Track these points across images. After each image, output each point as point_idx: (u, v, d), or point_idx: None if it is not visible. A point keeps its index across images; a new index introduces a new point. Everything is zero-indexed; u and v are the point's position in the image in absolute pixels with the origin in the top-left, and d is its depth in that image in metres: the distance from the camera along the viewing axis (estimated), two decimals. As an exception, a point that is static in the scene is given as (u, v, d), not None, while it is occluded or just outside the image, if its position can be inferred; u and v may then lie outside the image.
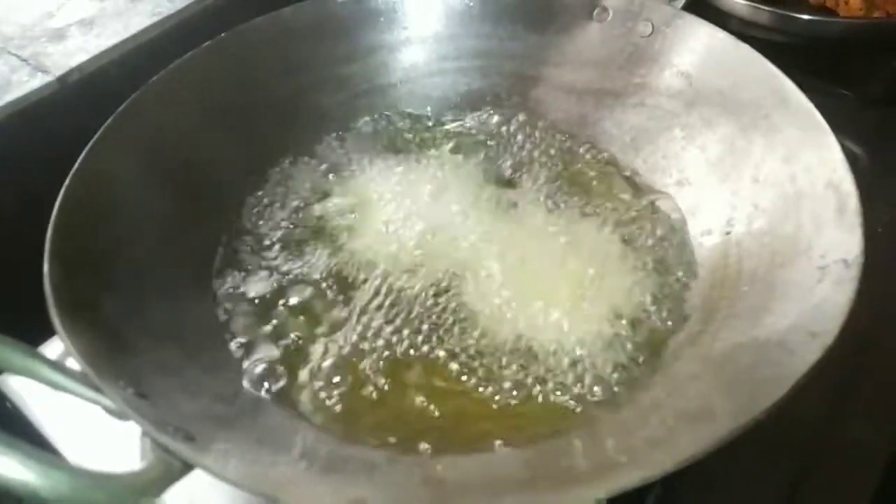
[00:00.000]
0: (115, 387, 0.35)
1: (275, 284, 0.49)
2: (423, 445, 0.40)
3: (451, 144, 0.59)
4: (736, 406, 0.35)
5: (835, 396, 0.46)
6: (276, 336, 0.46)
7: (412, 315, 0.47)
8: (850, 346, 0.39)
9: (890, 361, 0.48)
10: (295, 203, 0.54)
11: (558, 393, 0.42)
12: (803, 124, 0.45)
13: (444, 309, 0.47)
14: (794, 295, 0.39)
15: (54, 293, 0.38)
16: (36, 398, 0.46)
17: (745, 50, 0.50)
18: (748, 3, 0.67)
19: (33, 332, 0.40)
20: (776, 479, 0.43)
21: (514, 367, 0.43)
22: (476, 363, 0.44)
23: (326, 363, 0.44)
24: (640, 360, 0.44)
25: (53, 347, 0.42)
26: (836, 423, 0.45)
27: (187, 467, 0.32)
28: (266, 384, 0.43)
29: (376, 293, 0.48)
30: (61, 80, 0.59)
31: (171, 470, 0.32)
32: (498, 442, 0.40)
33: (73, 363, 0.35)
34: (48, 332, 0.38)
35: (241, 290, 0.49)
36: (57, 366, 0.35)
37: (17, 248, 0.41)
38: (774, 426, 0.32)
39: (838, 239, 0.39)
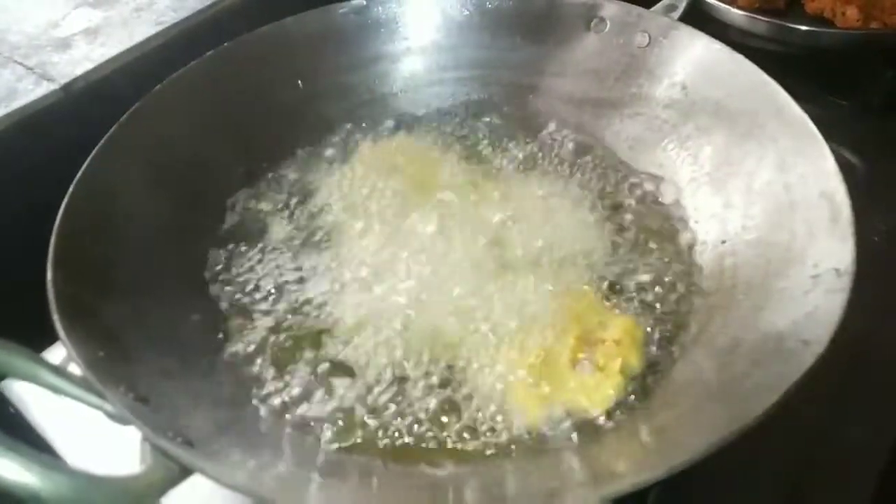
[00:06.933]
0: (116, 392, 0.35)
1: (272, 292, 0.49)
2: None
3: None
4: (729, 412, 0.35)
5: (834, 398, 0.46)
6: (272, 343, 0.46)
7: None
8: (848, 350, 0.40)
9: (886, 364, 0.49)
10: (296, 211, 0.55)
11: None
12: (797, 134, 0.46)
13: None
14: (787, 303, 0.40)
15: (57, 299, 0.38)
16: (38, 403, 0.47)
17: (741, 60, 0.51)
18: (746, 13, 0.68)
19: (36, 338, 0.40)
20: (776, 479, 0.43)
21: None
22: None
23: (322, 369, 0.45)
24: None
25: (56, 353, 0.42)
26: (835, 425, 0.45)
27: (186, 471, 0.33)
28: (262, 391, 0.44)
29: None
30: (66, 88, 0.60)
31: (169, 474, 0.33)
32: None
33: (75, 368, 0.36)
34: (51, 338, 0.39)
35: (239, 298, 0.49)
36: (59, 371, 0.36)
37: (21, 255, 0.41)
38: (774, 427, 0.32)
39: (831, 248, 0.40)
